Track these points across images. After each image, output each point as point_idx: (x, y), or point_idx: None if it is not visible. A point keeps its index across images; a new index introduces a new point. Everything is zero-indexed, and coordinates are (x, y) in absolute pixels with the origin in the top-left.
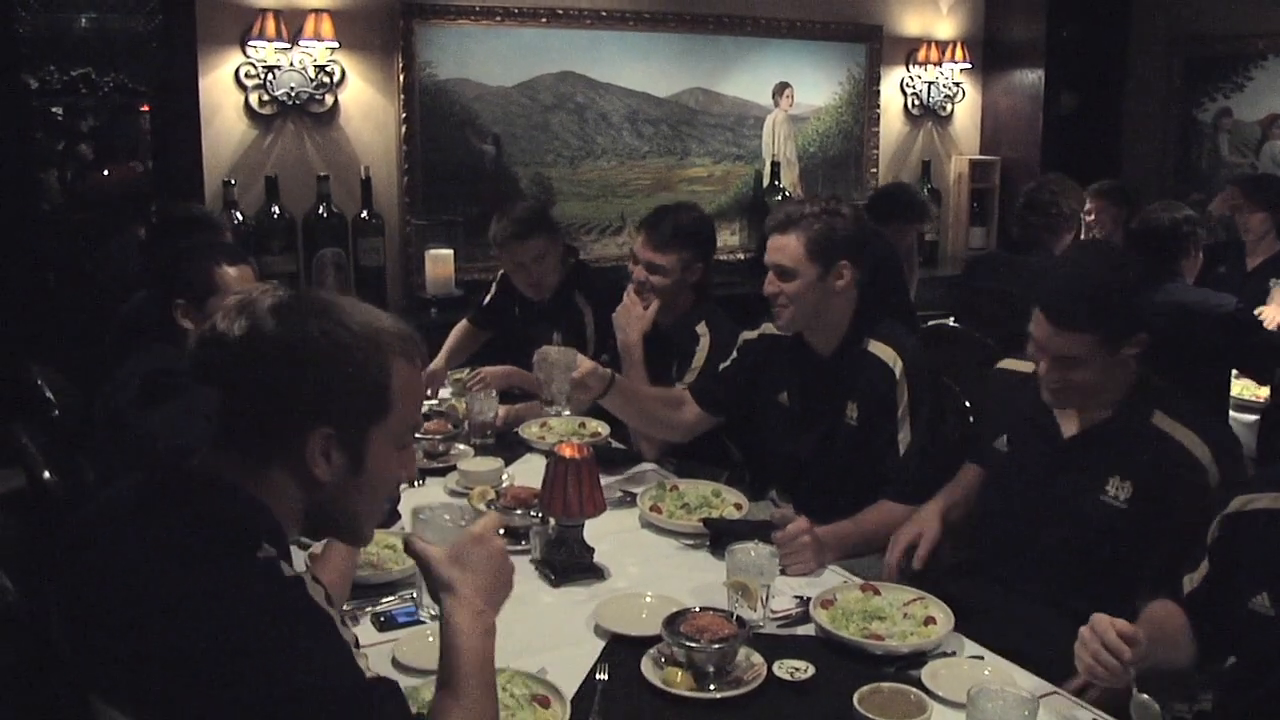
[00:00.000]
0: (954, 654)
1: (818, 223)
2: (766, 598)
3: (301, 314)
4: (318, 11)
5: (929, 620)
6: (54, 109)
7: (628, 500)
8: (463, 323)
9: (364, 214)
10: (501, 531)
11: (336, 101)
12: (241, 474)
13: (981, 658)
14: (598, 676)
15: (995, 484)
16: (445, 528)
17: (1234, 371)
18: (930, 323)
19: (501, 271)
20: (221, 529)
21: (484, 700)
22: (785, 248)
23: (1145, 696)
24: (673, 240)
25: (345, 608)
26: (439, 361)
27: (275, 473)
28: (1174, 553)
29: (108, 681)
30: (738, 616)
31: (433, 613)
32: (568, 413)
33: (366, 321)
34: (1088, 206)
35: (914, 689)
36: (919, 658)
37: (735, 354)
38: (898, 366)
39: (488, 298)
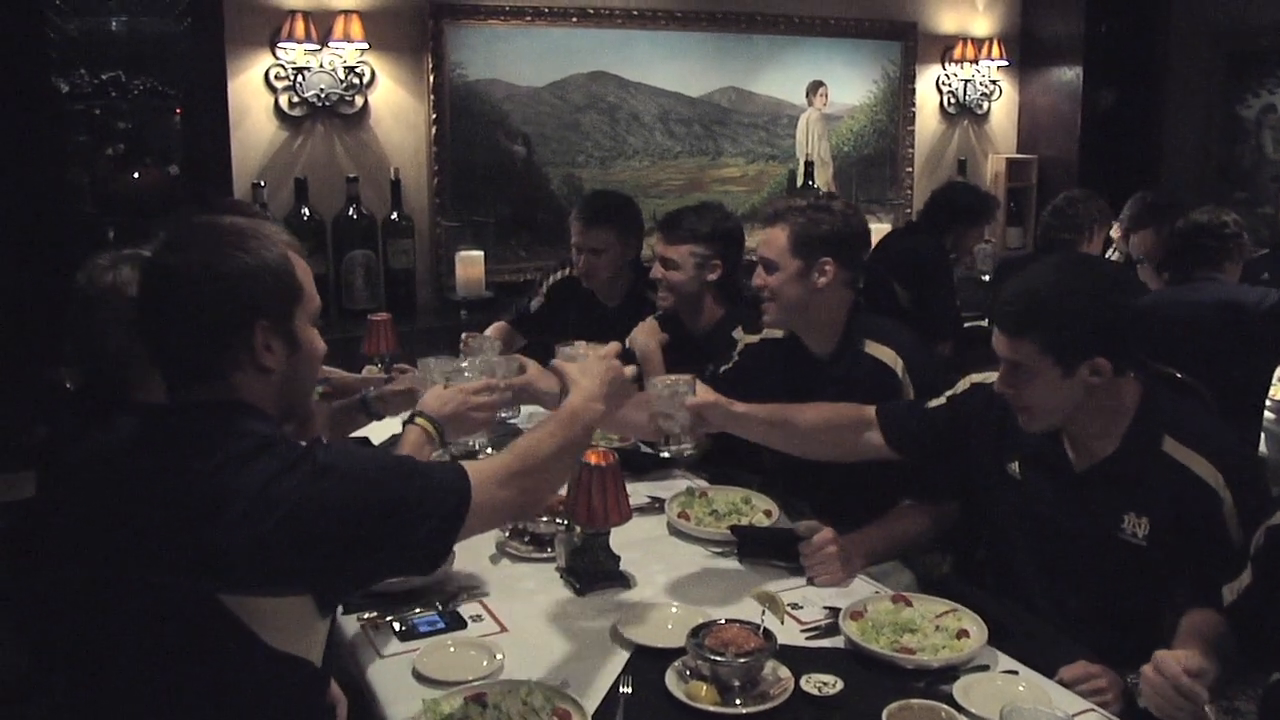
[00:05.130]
0: (987, 669)
1: (802, 217)
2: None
3: (198, 239)
4: (347, 13)
5: (962, 633)
6: (85, 112)
7: (655, 506)
8: (501, 324)
9: (394, 215)
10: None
11: (366, 103)
12: (220, 393)
13: (1015, 673)
14: (620, 689)
15: (1009, 510)
16: (576, 355)
17: (1277, 374)
18: (966, 324)
19: (552, 280)
20: (250, 433)
21: (562, 424)
22: (771, 240)
23: None
24: (686, 235)
25: (366, 616)
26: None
27: (236, 378)
28: (1198, 578)
29: (237, 577)
30: (765, 629)
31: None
32: (489, 452)
33: (253, 227)
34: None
35: (945, 706)
36: (951, 672)
37: (735, 357)
38: (899, 366)
39: (535, 304)
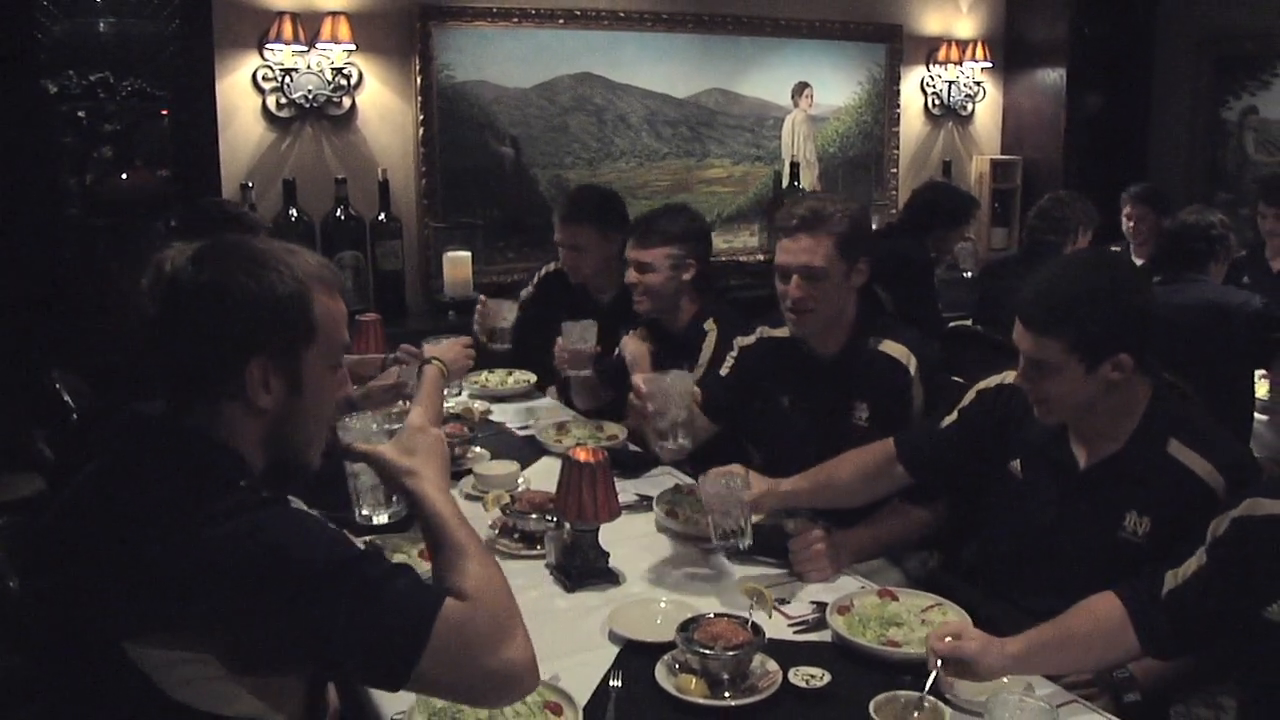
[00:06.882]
0: None
1: (846, 220)
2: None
3: (218, 258)
4: (335, 14)
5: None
6: (74, 113)
7: (644, 504)
8: None
9: (382, 217)
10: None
11: (354, 104)
12: (203, 419)
13: None
14: (611, 683)
15: (1009, 508)
16: (371, 431)
17: (1259, 373)
18: (951, 324)
19: (544, 271)
20: (204, 475)
21: (477, 542)
22: (816, 248)
23: None
24: (658, 238)
25: None
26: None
27: (227, 408)
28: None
29: (139, 625)
30: (753, 623)
31: (365, 512)
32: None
33: (281, 256)
34: (1127, 210)
35: (931, 697)
36: None
37: (733, 360)
38: (912, 364)
39: (525, 293)
